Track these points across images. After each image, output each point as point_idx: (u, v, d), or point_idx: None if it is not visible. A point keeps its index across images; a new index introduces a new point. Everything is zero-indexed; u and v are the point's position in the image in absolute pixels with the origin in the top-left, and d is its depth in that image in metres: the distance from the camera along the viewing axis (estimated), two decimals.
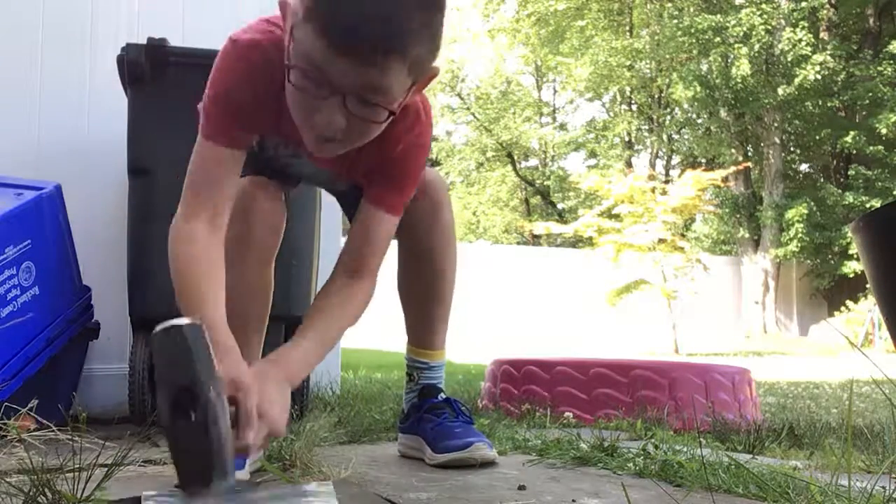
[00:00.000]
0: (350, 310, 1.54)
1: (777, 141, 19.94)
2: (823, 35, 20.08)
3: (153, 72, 2.36)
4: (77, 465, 1.17)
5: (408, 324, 1.84)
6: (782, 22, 18.89)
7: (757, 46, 18.48)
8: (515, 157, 26.64)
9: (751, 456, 1.87)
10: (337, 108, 1.23)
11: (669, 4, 21.62)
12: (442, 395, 1.80)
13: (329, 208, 2.50)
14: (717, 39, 18.71)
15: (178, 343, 1.02)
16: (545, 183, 26.71)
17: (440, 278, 1.79)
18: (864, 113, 19.57)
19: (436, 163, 27.41)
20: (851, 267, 17.32)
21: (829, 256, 18.76)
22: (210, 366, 1.04)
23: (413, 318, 1.83)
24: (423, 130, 1.51)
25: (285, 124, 1.41)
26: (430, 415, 1.75)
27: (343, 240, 2.01)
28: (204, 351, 1.04)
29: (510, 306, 15.69)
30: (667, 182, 18.21)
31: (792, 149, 22.03)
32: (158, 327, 1.04)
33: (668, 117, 24.54)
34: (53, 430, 1.28)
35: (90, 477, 1.17)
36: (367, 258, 1.55)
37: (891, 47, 18.36)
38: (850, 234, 13.67)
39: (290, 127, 1.38)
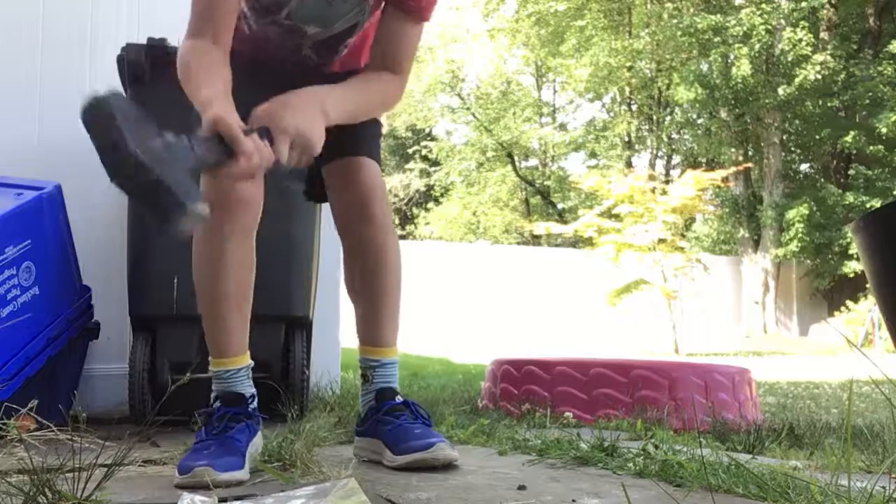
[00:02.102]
0: (384, 94, 1.64)
1: (777, 141, 19.92)
2: (823, 35, 20.07)
3: (153, 72, 2.36)
4: (77, 465, 1.17)
5: (357, 323, 1.80)
6: (782, 22, 18.88)
7: (757, 46, 18.47)
8: (515, 158, 26.62)
9: (751, 456, 1.87)
10: None
11: (669, 4, 21.62)
12: (399, 398, 1.77)
13: (328, 208, 2.50)
14: (717, 39, 18.70)
15: (100, 112, 1.14)
16: (545, 183, 26.69)
17: (382, 271, 1.75)
18: (864, 113, 19.54)
19: (435, 163, 27.40)
20: (851, 267, 17.30)
21: (829, 256, 18.73)
22: (136, 128, 1.16)
23: (361, 317, 1.79)
24: None
25: None
26: (388, 417, 1.71)
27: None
28: (125, 117, 1.15)
29: (510, 306, 15.68)
30: (667, 182, 18.20)
31: (792, 149, 22.02)
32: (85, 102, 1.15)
33: (668, 117, 24.53)
34: (53, 430, 1.28)
35: (90, 477, 1.17)
36: (398, 59, 1.61)
37: (891, 47, 18.33)
38: (850, 234, 13.67)
39: None
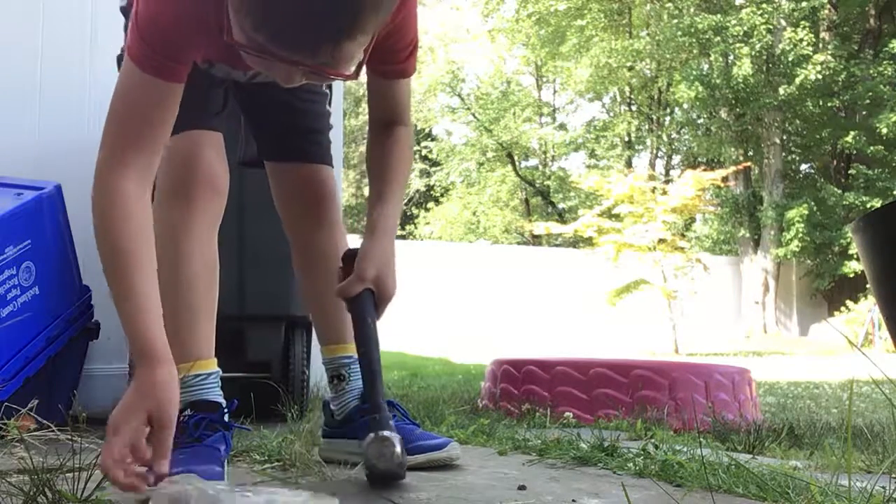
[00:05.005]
0: (411, 152, 1.62)
1: (777, 141, 19.92)
2: (824, 35, 20.07)
3: None
4: (77, 465, 1.17)
5: (318, 329, 1.77)
6: (783, 22, 18.88)
7: (758, 46, 18.47)
8: (515, 158, 26.63)
9: (751, 456, 1.87)
10: (295, 69, 1.15)
11: (669, 4, 21.62)
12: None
13: None
14: (717, 39, 18.71)
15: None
16: (545, 183, 26.69)
17: (334, 268, 1.68)
18: (864, 113, 19.54)
19: (435, 163, 27.40)
20: (851, 267, 17.30)
21: (829, 256, 18.74)
22: None
23: (322, 317, 1.76)
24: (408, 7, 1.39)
25: (232, 51, 1.29)
26: None
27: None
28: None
29: (510, 306, 15.69)
30: (667, 182, 18.19)
31: (792, 149, 22.02)
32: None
33: (668, 117, 24.51)
34: (53, 430, 1.28)
35: (90, 477, 1.17)
36: (402, 113, 1.59)
37: (891, 47, 18.32)
38: (850, 234, 13.62)
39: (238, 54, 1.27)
